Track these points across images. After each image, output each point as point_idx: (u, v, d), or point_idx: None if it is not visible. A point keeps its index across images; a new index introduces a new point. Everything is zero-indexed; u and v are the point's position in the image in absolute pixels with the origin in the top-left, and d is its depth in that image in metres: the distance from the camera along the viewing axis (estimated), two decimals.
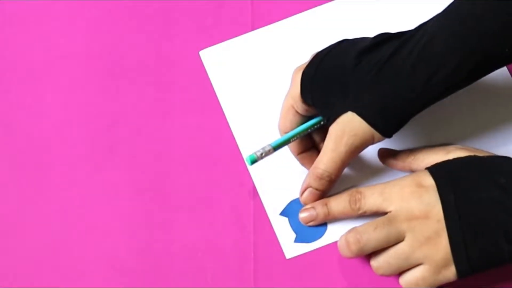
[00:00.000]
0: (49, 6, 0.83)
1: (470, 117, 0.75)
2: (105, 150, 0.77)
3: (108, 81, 0.79)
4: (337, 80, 0.68)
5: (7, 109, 0.79)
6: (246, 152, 0.75)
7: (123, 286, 0.72)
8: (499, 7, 0.63)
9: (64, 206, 0.75)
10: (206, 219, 0.74)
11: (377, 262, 0.66)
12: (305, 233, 0.72)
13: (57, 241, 0.74)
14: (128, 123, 0.78)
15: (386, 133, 0.67)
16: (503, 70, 0.77)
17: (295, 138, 0.72)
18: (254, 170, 0.74)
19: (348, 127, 0.67)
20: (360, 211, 0.68)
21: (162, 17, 0.82)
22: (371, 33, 0.69)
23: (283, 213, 0.73)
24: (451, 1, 0.67)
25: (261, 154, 0.71)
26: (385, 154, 0.72)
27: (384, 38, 0.67)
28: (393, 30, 0.68)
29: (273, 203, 0.74)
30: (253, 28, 0.81)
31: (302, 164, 0.74)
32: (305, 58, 0.71)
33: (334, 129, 0.68)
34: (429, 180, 0.65)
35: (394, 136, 0.68)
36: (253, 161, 0.71)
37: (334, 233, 0.72)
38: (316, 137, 0.74)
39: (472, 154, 0.67)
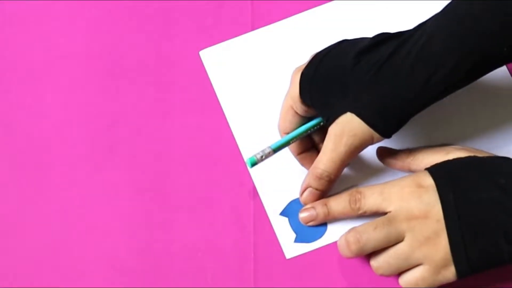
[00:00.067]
0: (49, 6, 0.83)
1: (470, 117, 0.75)
2: (105, 150, 0.77)
3: (108, 81, 0.79)
4: (336, 80, 0.68)
5: (7, 109, 0.79)
6: (246, 152, 0.75)
7: (123, 286, 0.72)
8: (497, 7, 0.63)
9: (64, 206, 0.75)
10: (206, 219, 0.74)
11: (377, 262, 0.66)
12: (305, 233, 0.72)
13: (57, 241, 0.74)
14: (128, 123, 0.78)
15: (385, 134, 0.67)
16: (503, 70, 0.77)
17: (295, 139, 0.72)
18: (254, 170, 0.75)
19: (347, 127, 0.67)
20: (360, 211, 0.68)
21: (162, 17, 0.82)
22: (371, 33, 0.69)
23: (283, 213, 0.73)
24: (450, 1, 0.67)
25: (261, 156, 0.71)
26: (383, 153, 0.72)
27: (383, 38, 0.67)
28: (393, 30, 0.68)
29: (273, 203, 0.74)
30: (253, 28, 0.81)
31: (302, 164, 0.74)
32: (305, 58, 0.71)
33: (334, 130, 0.68)
34: (428, 180, 0.65)
35: (394, 136, 0.68)
36: (253, 164, 0.71)
37: (334, 233, 0.72)
38: (316, 137, 0.74)
39: (472, 154, 0.67)
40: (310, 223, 0.72)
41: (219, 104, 0.78)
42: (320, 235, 0.72)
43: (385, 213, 0.66)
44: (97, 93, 0.79)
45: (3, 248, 0.74)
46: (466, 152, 0.67)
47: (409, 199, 0.65)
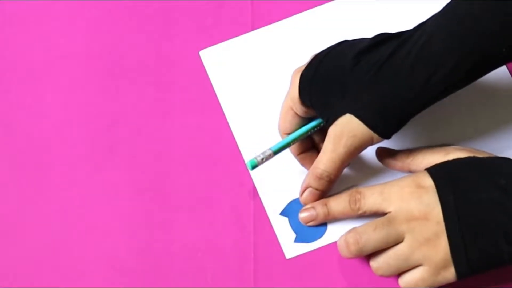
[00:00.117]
0: (49, 6, 0.83)
1: (470, 117, 0.75)
2: (105, 150, 0.77)
3: (108, 81, 0.79)
4: (336, 81, 0.68)
5: (7, 109, 0.79)
6: (247, 152, 0.75)
7: (123, 286, 0.72)
8: (497, 7, 0.63)
9: (64, 206, 0.75)
10: (206, 219, 0.74)
11: (377, 263, 0.66)
12: (305, 233, 0.72)
13: (57, 241, 0.74)
14: (128, 123, 0.78)
15: (385, 135, 0.67)
16: (503, 70, 0.77)
17: (295, 141, 0.72)
18: (254, 170, 0.74)
19: (346, 128, 0.67)
20: (360, 211, 0.68)
21: (162, 17, 0.82)
22: (371, 33, 0.69)
23: (283, 213, 0.73)
24: (449, 1, 0.67)
25: (262, 159, 0.71)
26: (383, 154, 0.72)
27: (382, 39, 0.67)
28: (393, 30, 0.68)
29: (273, 203, 0.74)
30: (253, 28, 0.81)
31: (302, 164, 0.74)
32: (305, 58, 0.71)
33: (333, 130, 0.68)
34: (428, 181, 0.65)
35: (394, 136, 0.68)
36: (254, 166, 0.71)
37: (334, 233, 0.72)
38: (316, 138, 0.74)
39: (471, 155, 0.67)
40: (310, 223, 0.72)
41: (219, 104, 0.78)
42: (320, 235, 0.72)
43: (385, 214, 0.66)
44: (97, 93, 0.79)
45: (3, 248, 0.74)
46: (466, 152, 0.67)
47: (409, 200, 0.65)
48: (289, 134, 0.72)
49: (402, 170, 0.71)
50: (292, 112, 0.72)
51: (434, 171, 0.66)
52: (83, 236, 0.74)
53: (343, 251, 0.67)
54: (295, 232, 0.73)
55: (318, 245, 0.72)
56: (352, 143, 0.67)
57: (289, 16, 0.81)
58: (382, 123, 0.67)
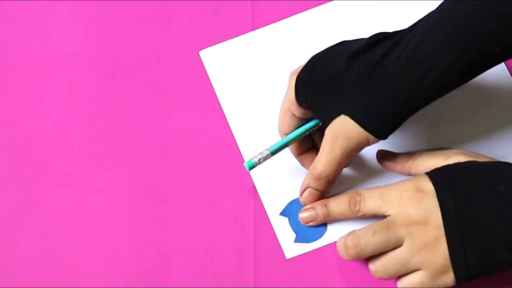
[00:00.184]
0: (49, 6, 0.83)
1: (470, 118, 0.75)
2: (105, 150, 0.77)
3: (108, 81, 0.79)
4: (331, 82, 0.68)
5: (7, 108, 0.79)
6: (246, 152, 0.75)
7: (123, 286, 0.72)
8: (490, 8, 0.63)
9: (64, 206, 0.75)
10: (206, 219, 0.74)
11: (375, 266, 0.67)
12: (305, 233, 0.72)
13: (57, 241, 0.74)
14: (128, 123, 0.78)
15: (380, 136, 0.67)
16: (503, 70, 0.77)
17: (293, 142, 0.72)
18: (254, 170, 0.74)
19: (342, 129, 0.67)
20: (360, 213, 0.68)
21: (162, 17, 0.82)
22: (371, 33, 0.68)
23: (283, 213, 0.73)
24: (442, 1, 0.66)
25: (259, 159, 0.71)
26: (383, 156, 0.72)
27: (377, 39, 0.67)
28: (393, 30, 0.68)
29: (273, 203, 0.74)
30: (253, 28, 0.81)
31: (302, 164, 0.74)
32: (305, 58, 0.71)
33: (329, 132, 0.68)
34: (428, 185, 0.65)
35: (393, 138, 0.68)
36: (251, 167, 0.71)
37: (334, 233, 0.72)
38: (316, 138, 0.74)
39: (472, 159, 0.67)
40: (310, 224, 0.72)
41: (219, 104, 0.78)
42: (320, 235, 0.72)
43: (384, 216, 0.66)
44: (97, 93, 0.79)
45: (3, 248, 0.74)
46: (466, 156, 0.67)
47: (408, 204, 0.65)
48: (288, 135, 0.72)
49: (402, 173, 0.71)
50: (290, 113, 0.72)
51: (434, 175, 0.66)
52: (83, 236, 0.74)
53: (342, 253, 0.67)
54: (295, 232, 0.73)
55: (318, 245, 0.72)
56: (348, 144, 0.67)
57: (289, 16, 0.81)
58: (377, 124, 0.66)
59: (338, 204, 0.70)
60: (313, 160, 0.71)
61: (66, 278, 0.73)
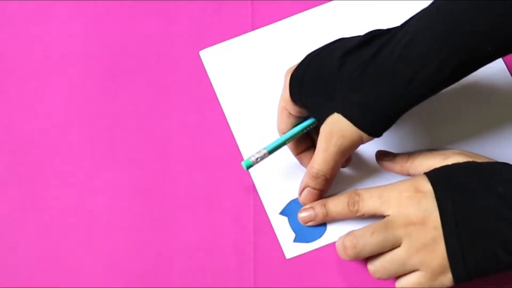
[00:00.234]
0: (49, 6, 0.83)
1: (470, 118, 0.75)
2: (105, 150, 0.77)
3: (108, 81, 0.79)
4: (324, 81, 0.68)
5: (7, 108, 0.79)
6: (246, 152, 0.75)
7: (123, 286, 0.72)
8: (481, 7, 0.63)
9: (64, 206, 0.75)
10: (206, 219, 0.74)
11: (374, 266, 0.67)
12: (304, 233, 0.72)
13: (57, 241, 0.74)
14: (128, 123, 0.78)
15: (374, 134, 0.67)
16: (503, 70, 0.77)
17: (289, 140, 0.72)
18: (254, 170, 0.75)
19: (336, 128, 0.67)
20: (358, 213, 0.68)
21: (162, 17, 0.82)
22: None
23: (282, 213, 0.73)
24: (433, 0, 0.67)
25: (257, 158, 0.71)
26: (382, 157, 0.72)
27: (370, 37, 0.67)
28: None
29: (273, 202, 0.74)
30: (253, 28, 0.81)
31: (302, 163, 0.74)
32: None
33: (324, 130, 0.68)
34: (427, 186, 0.65)
35: (391, 138, 0.68)
36: (249, 166, 0.71)
37: (334, 233, 0.72)
38: (314, 136, 0.74)
39: (471, 159, 0.67)
40: (309, 223, 0.72)
41: (219, 104, 0.78)
42: (320, 235, 0.72)
43: (383, 216, 0.66)
44: (97, 93, 0.79)
45: (3, 248, 0.74)
46: (465, 156, 0.67)
47: (407, 205, 0.65)
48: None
49: (401, 173, 0.71)
50: (286, 112, 0.72)
51: (433, 176, 0.66)
52: (83, 236, 0.74)
53: (341, 254, 0.67)
54: (294, 232, 0.73)
55: (317, 245, 0.72)
56: (342, 143, 0.67)
57: (289, 16, 0.81)
58: (370, 122, 0.66)
59: (337, 204, 0.70)
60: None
61: (66, 278, 0.73)
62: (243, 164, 0.71)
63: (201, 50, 0.80)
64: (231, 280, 0.72)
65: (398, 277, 0.66)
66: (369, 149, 0.70)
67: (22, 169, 0.76)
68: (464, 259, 0.63)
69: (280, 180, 0.75)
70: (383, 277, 0.66)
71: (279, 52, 0.80)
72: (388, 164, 0.72)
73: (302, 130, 0.72)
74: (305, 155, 0.74)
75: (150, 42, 0.81)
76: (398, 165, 0.71)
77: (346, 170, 0.74)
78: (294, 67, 0.70)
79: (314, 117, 0.71)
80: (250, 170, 0.74)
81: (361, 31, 0.70)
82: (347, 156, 0.69)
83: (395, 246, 0.65)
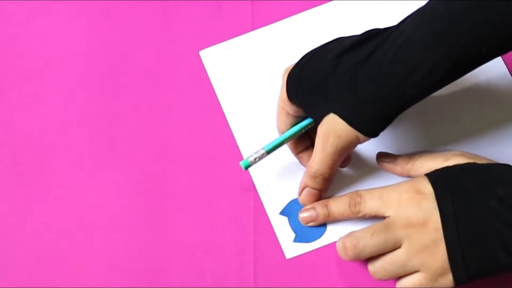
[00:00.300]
0: (49, 6, 0.83)
1: (470, 118, 0.75)
2: (105, 150, 0.77)
3: (108, 81, 0.79)
4: (320, 81, 0.68)
5: (7, 109, 0.79)
6: (246, 151, 0.75)
7: (123, 286, 0.72)
8: (476, 7, 0.63)
9: (64, 206, 0.75)
10: (206, 219, 0.74)
11: (374, 267, 0.67)
12: (304, 233, 0.72)
13: (57, 241, 0.74)
14: (128, 123, 0.78)
15: (370, 134, 0.67)
16: (503, 70, 0.77)
17: (288, 140, 0.72)
18: (254, 170, 0.75)
19: (332, 128, 0.67)
20: (360, 214, 0.68)
21: (162, 17, 0.82)
22: None
23: (282, 213, 0.74)
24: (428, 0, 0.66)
25: (255, 158, 0.71)
26: (383, 158, 0.72)
27: (366, 37, 0.67)
28: None
29: (273, 202, 0.74)
30: (253, 28, 0.81)
31: (301, 163, 0.74)
32: None
33: (321, 130, 0.68)
34: (427, 187, 0.65)
35: (391, 139, 0.68)
36: (247, 166, 0.71)
37: (334, 233, 0.72)
38: (314, 136, 0.74)
39: (471, 161, 0.67)
40: (310, 224, 0.72)
41: (219, 104, 0.78)
42: (320, 235, 0.72)
43: (384, 217, 0.66)
44: (97, 93, 0.79)
45: (3, 248, 0.74)
46: (466, 158, 0.67)
47: (407, 206, 0.65)
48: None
49: (401, 175, 0.71)
50: (284, 112, 0.72)
51: (433, 177, 0.66)
52: (83, 236, 0.74)
53: (341, 254, 0.67)
54: (294, 232, 0.73)
55: (317, 245, 0.72)
56: (339, 143, 0.67)
57: (289, 16, 0.81)
58: (365, 123, 0.66)
59: (338, 204, 0.70)
60: None
61: (66, 278, 0.73)
62: (242, 164, 0.71)
63: (201, 50, 0.80)
64: (231, 280, 0.72)
65: (399, 277, 0.66)
66: (369, 149, 0.70)
67: (22, 169, 0.76)
68: (464, 260, 0.63)
69: (280, 180, 0.75)
70: (383, 278, 0.66)
71: (279, 52, 0.80)
72: (388, 165, 0.72)
73: (300, 130, 0.72)
74: (304, 154, 0.74)
75: (150, 42, 0.81)
76: (399, 166, 0.71)
77: (346, 170, 0.74)
78: (291, 67, 0.70)
79: (311, 117, 0.71)
80: (250, 170, 0.74)
81: (361, 31, 0.70)
82: (345, 156, 0.69)
83: (395, 247, 0.65)
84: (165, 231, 0.74)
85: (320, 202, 0.71)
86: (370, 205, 0.67)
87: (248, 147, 0.76)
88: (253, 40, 0.80)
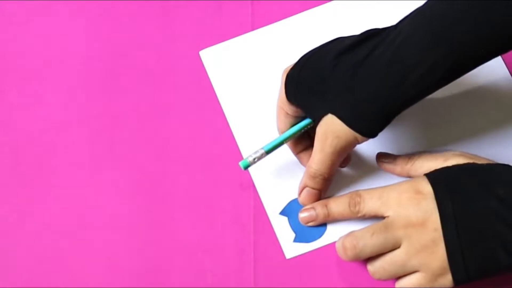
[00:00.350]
0: (49, 6, 0.83)
1: (469, 118, 0.75)
2: (105, 150, 0.77)
3: (108, 81, 0.79)
4: (319, 81, 0.68)
5: (7, 109, 0.79)
6: (246, 151, 0.75)
7: (123, 286, 0.72)
8: (476, 8, 0.63)
9: (64, 206, 0.75)
10: (206, 219, 0.74)
11: (374, 267, 0.67)
12: (304, 233, 0.72)
13: (57, 241, 0.74)
14: (128, 123, 0.78)
15: (368, 134, 0.67)
16: (503, 70, 0.77)
17: (287, 140, 0.72)
18: (254, 170, 0.75)
19: (330, 129, 0.67)
20: (360, 214, 0.68)
21: (162, 17, 0.82)
22: None
23: (282, 213, 0.74)
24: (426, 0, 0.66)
25: (254, 159, 0.71)
26: (383, 158, 0.72)
27: (364, 37, 0.67)
28: None
29: (273, 202, 0.74)
30: (253, 28, 0.81)
31: (301, 163, 0.74)
32: None
33: (319, 131, 0.68)
34: (427, 187, 0.65)
35: (390, 139, 0.68)
36: (246, 167, 0.71)
37: (334, 233, 0.72)
38: (313, 136, 0.74)
39: (471, 161, 0.67)
40: (310, 224, 0.72)
41: (219, 104, 0.78)
42: (320, 235, 0.72)
43: (384, 217, 0.66)
44: (97, 93, 0.79)
45: (3, 248, 0.74)
46: (465, 158, 0.67)
47: (407, 206, 0.65)
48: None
49: (401, 175, 0.71)
50: (283, 112, 0.72)
51: (433, 177, 0.66)
52: (83, 236, 0.74)
53: (341, 254, 0.67)
54: (294, 232, 0.73)
55: (317, 245, 0.72)
56: (337, 143, 0.67)
57: (289, 16, 0.81)
58: (363, 123, 0.66)
59: (338, 204, 0.70)
60: None
61: (66, 278, 0.73)
62: (241, 164, 0.71)
63: (201, 50, 0.80)
64: (231, 280, 0.72)
65: (398, 277, 0.66)
66: (369, 149, 0.70)
67: (22, 169, 0.76)
68: (464, 260, 0.63)
69: (280, 180, 0.75)
70: (383, 278, 0.66)
71: (279, 52, 0.80)
72: (388, 166, 0.72)
73: (299, 130, 0.72)
74: (304, 154, 0.74)
75: (150, 42, 0.81)
76: (398, 167, 0.71)
77: (346, 170, 0.74)
78: (290, 67, 0.70)
79: (310, 117, 0.71)
80: (250, 170, 0.74)
81: (360, 32, 0.70)
82: (344, 156, 0.69)
83: (395, 247, 0.65)
84: (165, 231, 0.74)
85: (320, 202, 0.71)
86: (370, 205, 0.67)
87: (248, 147, 0.76)
88: (253, 40, 0.80)
